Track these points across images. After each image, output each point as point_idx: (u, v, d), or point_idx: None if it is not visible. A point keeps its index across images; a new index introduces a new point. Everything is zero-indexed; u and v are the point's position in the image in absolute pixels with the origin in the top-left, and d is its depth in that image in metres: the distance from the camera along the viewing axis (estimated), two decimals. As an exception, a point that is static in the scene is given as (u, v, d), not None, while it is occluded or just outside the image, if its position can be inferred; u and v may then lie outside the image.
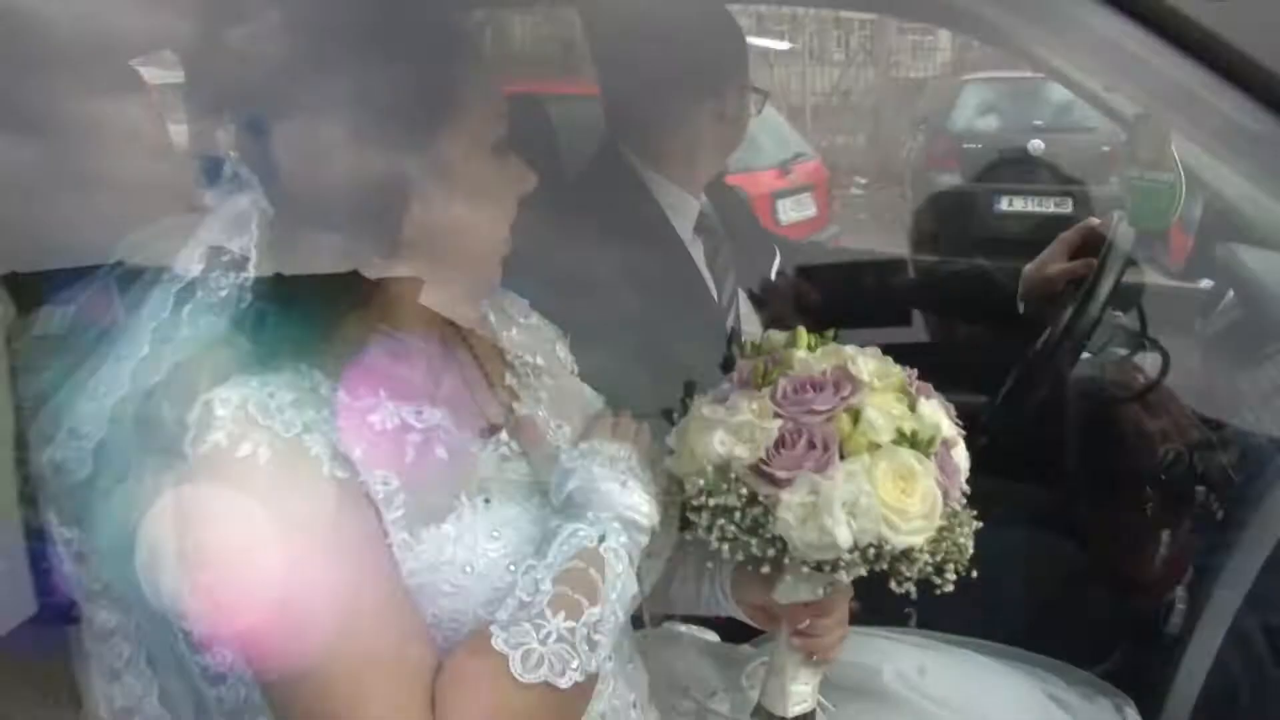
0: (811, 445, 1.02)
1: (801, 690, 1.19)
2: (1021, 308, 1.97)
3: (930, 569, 1.04)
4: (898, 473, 1.01)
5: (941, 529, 1.03)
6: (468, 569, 1.00)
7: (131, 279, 0.98)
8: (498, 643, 0.94)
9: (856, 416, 1.03)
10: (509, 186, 1.08)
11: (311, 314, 0.99)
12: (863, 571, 1.03)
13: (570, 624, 0.95)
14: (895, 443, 1.03)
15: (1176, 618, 1.34)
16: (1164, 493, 1.64)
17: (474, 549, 1.01)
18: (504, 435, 1.13)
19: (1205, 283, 2.25)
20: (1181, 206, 1.34)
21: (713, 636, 1.51)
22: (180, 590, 0.92)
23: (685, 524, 1.10)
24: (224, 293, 0.95)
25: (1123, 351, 1.81)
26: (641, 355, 1.67)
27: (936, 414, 1.07)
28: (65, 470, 0.96)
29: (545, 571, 0.99)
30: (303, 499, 0.93)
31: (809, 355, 1.09)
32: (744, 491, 1.04)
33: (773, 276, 2.09)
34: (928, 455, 1.04)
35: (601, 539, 1.02)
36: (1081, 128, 7.76)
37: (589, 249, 1.63)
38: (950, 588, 1.03)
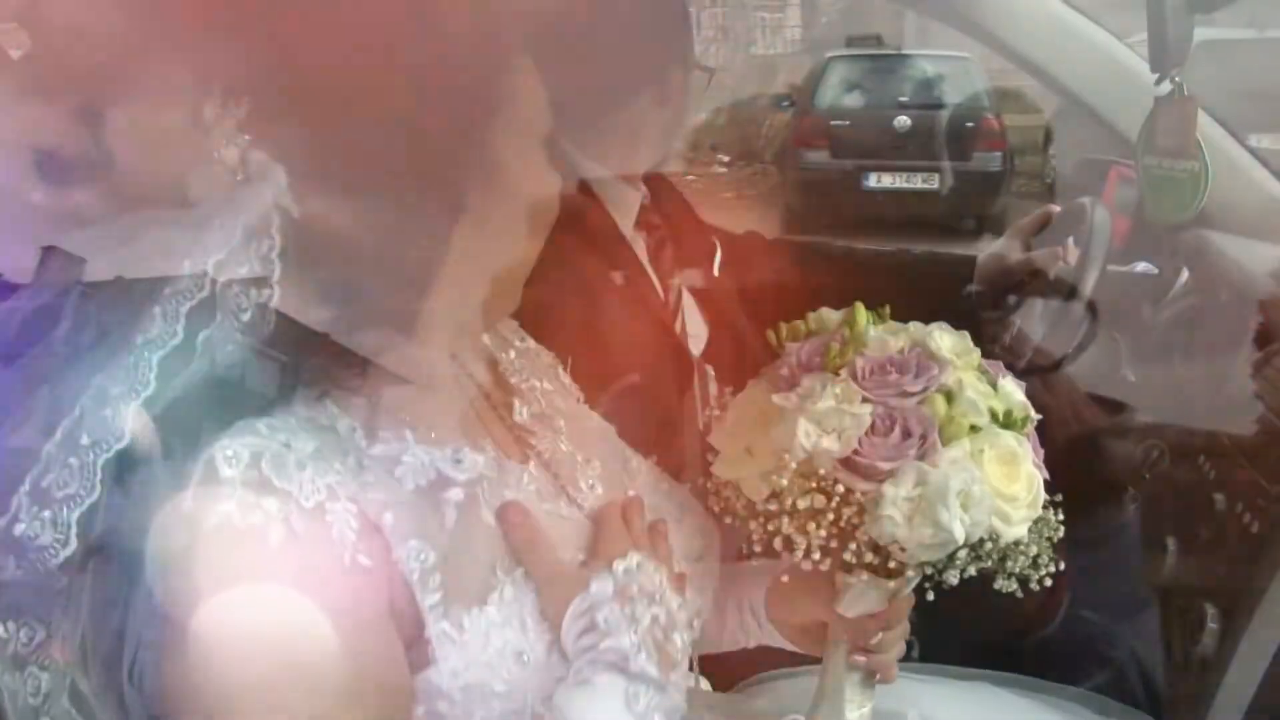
0: (907, 432, 0.90)
1: (861, 715, 1.08)
2: (975, 298, 1.90)
3: (1029, 563, 0.95)
4: (1001, 457, 0.92)
5: (1038, 518, 0.95)
6: (524, 658, 0.82)
7: (110, 292, 0.76)
8: None
9: (948, 397, 0.93)
10: (554, 188, 0.91)
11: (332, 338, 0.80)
12: (973, 571, 0.93)
13: None
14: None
15: (1209, 638, 1.25)
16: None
17: (526, 632, 0.83)
18: (533, 468, 0.95)
19: (1142, 266, 2.20)
20: (1205, 197, 1.24)
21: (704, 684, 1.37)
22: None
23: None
24: (247, 315, 0.75)
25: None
26: (587, 361, 1.53)
27: (1018, 391, 0.98)
28: (33, 550, 0.73)
29: None
30: (311, 597, 0.74)
31: (885, 332, 0.98)
32: (839, 489, 0.91)
33: (715, 271, 1.94)
34: (1023, 435, 0.95)
35: None
36: (945, 104, 7.91)
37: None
38: (1049, 582, 0.95)
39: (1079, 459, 1.76)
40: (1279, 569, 1.18)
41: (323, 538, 0.75)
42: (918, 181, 7.83)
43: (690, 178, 8.72)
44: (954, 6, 1.96)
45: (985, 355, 1.01)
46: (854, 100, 8.52)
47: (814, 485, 0.92)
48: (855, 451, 0.91)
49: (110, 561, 0.76)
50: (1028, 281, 1.83)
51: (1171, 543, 1.44)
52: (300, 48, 0.77)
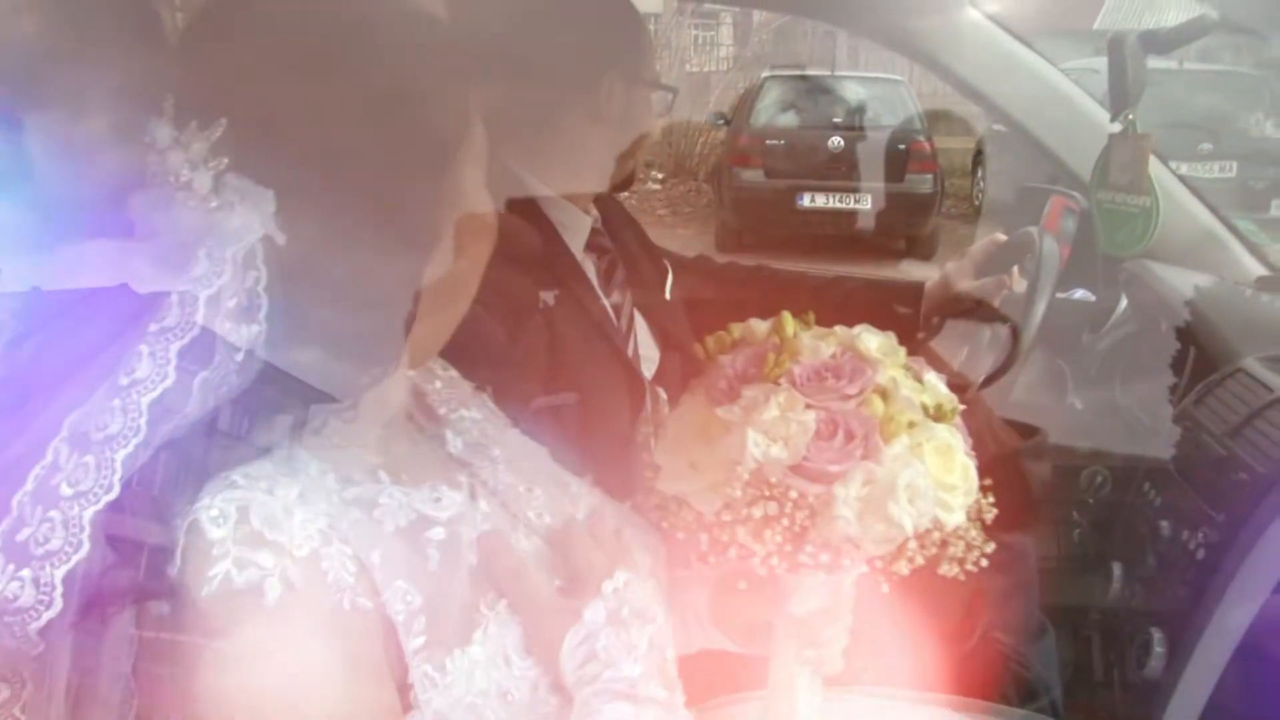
0: (850, 435, 0.92)
1: (811, 705, 1.10)
2: (923, 325, 1.92)
3: (964, 545, 0.98)
4: (939, 449, 0.95)
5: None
6: (509, 697, 0.80)
7: (75, 324, 0.70)
8: None
9: (884, 396, 0.95)
10: (493, 216, 0.90)
11: (315, 375, 0.77)
12: (920, 559, 0.95)
13: None
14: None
15: (1155, 662, 1.28)
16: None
17: (510, 668, 0.81)
18: (484, 504, 0.93)
19: (1079, 293, 2.25)
20: (1157, 231, 1.28)
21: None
22: None
23: None
24: (240, 355, 0.71)
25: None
26: (538, 385, 1.52)
27: (941, 384, 1.01)
28: (11, 613, 0.67)
29: None
30: (315, 649, 0.72)
31: (816, 339, 1.00)
32: (793, 495, 0.92)
33: (667, 295, 1.94)
34: (953, 426, 0.98)
35: None
36: (878, 126, 8.05)
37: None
38: (985, 562, 0.98)
39: (1003, 483, 1.79)
40: (1224, 594, 1.21)
41: (320, 585, 0.73)
42: (850, 201, 7.96)
43: (624, 194, 8.76)
44: (907, 38, 2.00)
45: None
46: (789, 120, 8.63)
47: (766, 494, 0.93)
48: (804, 458, 0.92)
49: (94, 624, 0.71)
50: (974, 309, 1.85)
51: (1118, 568, 1.47)
52: (278, 78, 0.76)
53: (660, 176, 10.51)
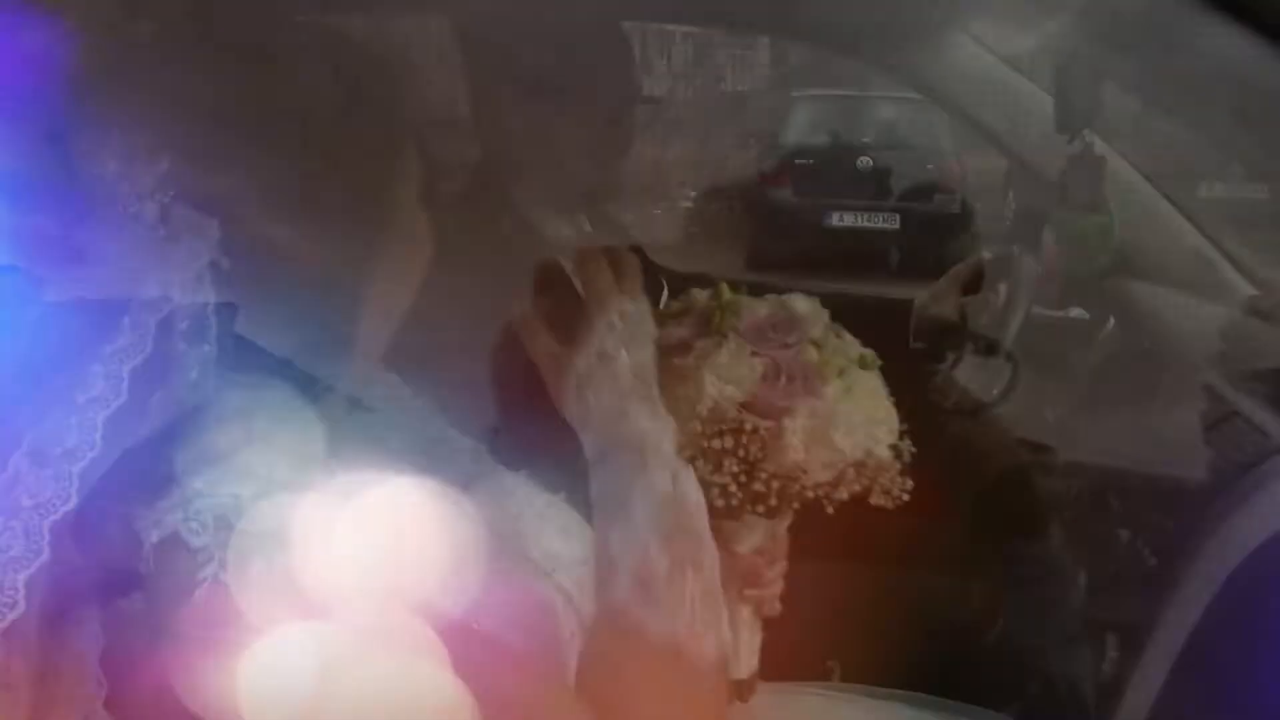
0: (791, 378, 1.07)
1: (752, 648, 1.23)
2: (913, 341, 1.97)
3: (889, 478, 1.12)
4: (867, 391, 1.11)
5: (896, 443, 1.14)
6: None
7: (29, 345, 0.73)
8: None
9: (817, 346, 1.11)
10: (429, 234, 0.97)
11: (266, 389, 0.82)
12: (857, 487, 1.10)
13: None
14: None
15: (1109, 667, 1.33)
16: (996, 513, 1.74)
17: None
18: None
19: (1076, 312, 2.29)
20: (1112, 249, 1.33)
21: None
22: None
23: None
24: (193, 374, 0.75)
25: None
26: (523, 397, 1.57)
27: (857, 343, 1.17)
28: None
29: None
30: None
31: (753, 301, 1.15)
32: (749, 427, 1.06)
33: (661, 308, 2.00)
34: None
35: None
36: (907, 145, 8.05)
37: (458, 287, 1.51)
38: (906, 498, 1.11)
39: (1010, 497, 1.85)
40: (1170, 601, 1.25)
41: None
42: (879, 221, 7.97)
43: (657, 212, 8.83)
44: (901, 62, 2.06)
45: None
46: (818, 139, 8.66)
47: (723, 428, 1.07)
48: (754, 396, 1.07)
49: (59, 624, 0.74)
50: (958, 327, 1.91)
51: (1083, 576, 1.51)
52: (220, 113, 0.81)
53: (692, 194, 10.56)
